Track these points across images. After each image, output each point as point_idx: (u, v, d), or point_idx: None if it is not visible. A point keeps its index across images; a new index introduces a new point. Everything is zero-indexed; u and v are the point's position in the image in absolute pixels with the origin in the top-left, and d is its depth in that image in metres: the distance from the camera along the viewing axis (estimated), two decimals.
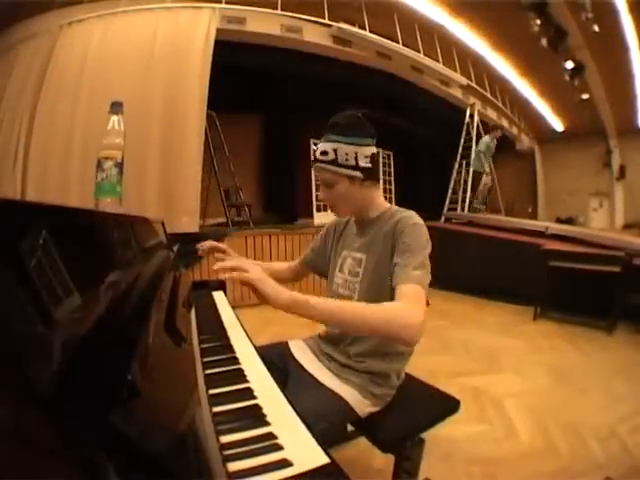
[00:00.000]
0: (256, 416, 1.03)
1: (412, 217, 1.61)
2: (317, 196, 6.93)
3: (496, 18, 9.46)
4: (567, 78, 10.85)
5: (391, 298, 1.44)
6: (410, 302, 1.36)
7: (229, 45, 6.71)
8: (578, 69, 10.60)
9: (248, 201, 8.40)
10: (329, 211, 1.89)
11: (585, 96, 12.00)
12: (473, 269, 6.79)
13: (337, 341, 1.78)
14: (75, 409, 0.52)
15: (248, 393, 1.15)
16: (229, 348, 1.54)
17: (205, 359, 1.40)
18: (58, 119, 5.73)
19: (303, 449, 0.91)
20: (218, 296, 2.47)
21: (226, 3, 6.88)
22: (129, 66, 5.88)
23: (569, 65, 10.50)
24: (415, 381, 1.86)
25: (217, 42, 6.40)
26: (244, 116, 10.20)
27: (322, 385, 1.62)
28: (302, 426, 1.01)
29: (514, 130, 14.42)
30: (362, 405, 1.59)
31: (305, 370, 1.75)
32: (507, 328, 5.08)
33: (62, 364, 0.58)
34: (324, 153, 1.64)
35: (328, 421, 1.40)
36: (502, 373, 3.71)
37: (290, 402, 1.14)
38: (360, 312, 1.32)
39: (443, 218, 9.81)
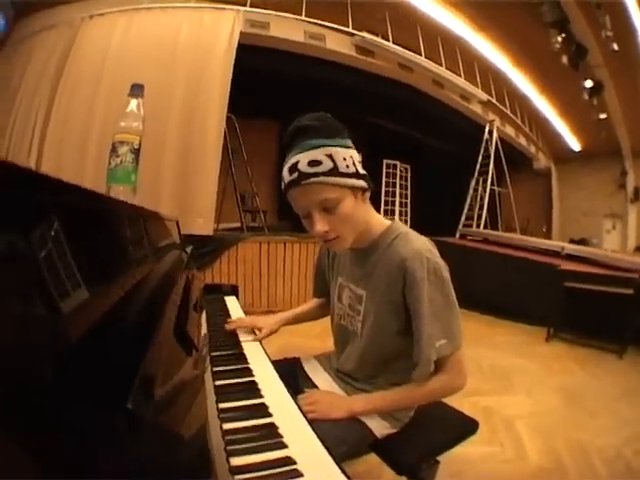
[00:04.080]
0: (272, 436, 0.93)
1: (422, 262, 1.29)
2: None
3: (518, 34, 9.36)
4: (586, 97, 10.70)
5: (396, 342, 1.42)
6: (453, 374, 1.36)
7: (252, 49, 6.66)
8: (597, 88, 10.43)
9: (264, 207, 8.22)
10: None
11: (603, 116, 11.82)
12: (487, 287, 6.62)
13: (351, 379, 1.58)
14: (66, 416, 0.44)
15: (263, 409, 1.05)
16: (242, 358, 1.45)
17: (216, 368, 1.31)
18: (75, 112, 5.67)
19: (325, 476, 0.82)
20: (231, 301, 2.38)
21: (250, 6, 6.79)
22: (150, 63, 5.78)
23: (588, 84, 10.34)
24: None
25: (240, 45, 6.33)
26: (264, 122, 10.13)
27: None
28: (323, 449, 0.91)
29: (532, 149, 14.28)
30: (380, 427, 1.44)
31: (319, 390, 1.58)
32: (520, 348, 4.97)
33: (56, 366, 0.49)
34: (315, 163, 1.21)
35: (347, 444, 1.29)
36: (514, 394, 3.64)
37: (310, 422, 1.04)
38: (411, 398, 1.41)
39: (458, 234, 9.71)
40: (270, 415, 1.03)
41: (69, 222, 0.65)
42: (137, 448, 0.53)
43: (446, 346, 1.29)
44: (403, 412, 1.51)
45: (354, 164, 1.28)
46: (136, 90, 1.57)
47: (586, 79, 10.25)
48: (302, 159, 1.23)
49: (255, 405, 1.08)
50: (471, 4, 8.68)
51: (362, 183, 1.30)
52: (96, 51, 5.86)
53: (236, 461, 0.82)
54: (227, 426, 0.95)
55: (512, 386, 3.79)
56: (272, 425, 0.97)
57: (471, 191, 10.77)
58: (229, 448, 0.86)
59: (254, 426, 0.97)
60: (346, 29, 7.69)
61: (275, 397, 1.14)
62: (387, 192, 9.96)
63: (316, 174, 1.21)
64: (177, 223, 2.77)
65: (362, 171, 1.31)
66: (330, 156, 1.23)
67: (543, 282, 5.72)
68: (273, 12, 6.96)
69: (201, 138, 5.91)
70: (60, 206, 0.65)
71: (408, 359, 1.35)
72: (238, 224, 7.15)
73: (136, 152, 1.50)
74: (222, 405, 1.05)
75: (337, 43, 7.65)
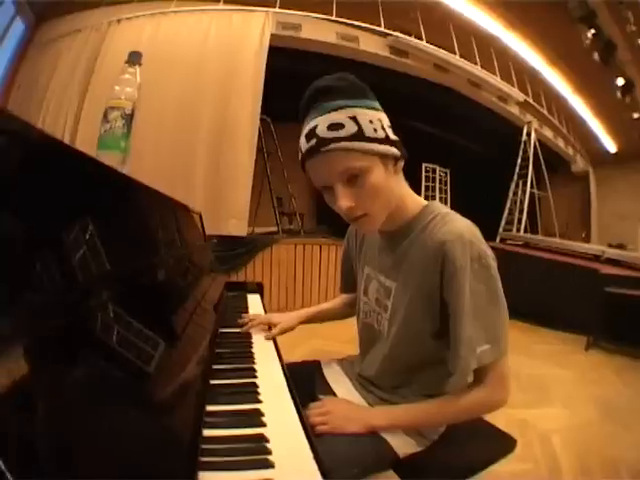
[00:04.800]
0: (258, 451, 0.74)
1: (464, 246, 1.04)
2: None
3: (550, 32, 9.03)
4: (619, 95, 10.16)
5: (428, 346, 1.17)
6: (494, 386, 1.10)
7: (288, 52, 6.58)
8: (628, 86, 9.87)
9: (301, 211, 8.05)
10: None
11: (636, 115, 11.21)
12: (527, 292, 6.23)
13: (374, 387, 1.33)
14: None
15: (255, 417, 0.87)
16: (248, 356, 1.28)
17: (215, 366, 1.14)
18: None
19: None
20: (253, 300, 2.19)
21: (279, 8, 6.64)
22: (180, 66, 5.75)
23: (620, 82, 9.79)
24: None
25: (276, 48, 6.23)
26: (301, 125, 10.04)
27: None
28: (318, 476, 0.71)
29: (569, 151, 13.72)
30: (404, 445, 1.17)
31: (336, 397, 1.35)
32: (558, 357, 4.70)
33: None
34: (336, 126, 0.99)
35: (362, 466, 1.07)
36: (551, 406, 3.40)
37: (310, 437, 0.83)
38: (442, 414, 1.17)
39: (498, 238, 9.41)
40: (262, 425, 0.84)
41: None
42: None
43: (489, 353, 1.04)
44: (431, 429, 1.25)
45: (383, 128, 1.05)
46: (133, 57, 1.46)
47: (617, 77, 9.75)
48: (321, 123, 1.01)
49: (247, 411, 0.90)
50: (501, 2, 8.47)
51: (394, 150, 1.06)
52: (125, 55, 5.72)
53: (205, 476, 0.66)
54: (207, 433, 0.78)
55: (550, 398, 3.56)
56: (261, 437, 0.78)
57: (511, 194, 10.48)
58: (201, 460, 0.69)
59: (239, 436, 0.79)
60: (379, 29, 7.49)
61: (276, 404, 0.96)
62: (427, 197, 9.71)
63: (337, 139, 0.99)
64: (200, 217, 2.65)
65: (393, 137, 1.07)
66: (354, 118, 1.00)
67: (584, 287, 5.43)
68: (304, 13, 6.82)
69: (234, 139, 5.82)
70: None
71: (441, 367, 1.13)
72: (274, 228, 7.00)
73: (127, 118, 1.37)
74: (209, 408, 0.88)
75: (370, 44, 7.45)
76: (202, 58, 5.88)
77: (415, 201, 1.21)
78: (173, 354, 0.90)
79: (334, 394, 1.37)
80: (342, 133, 0.99)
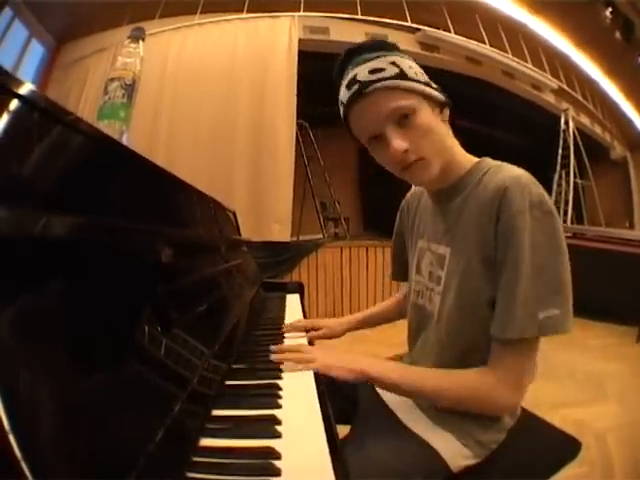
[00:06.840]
0: (261, 470, 0.55)
1: (522, 191, 0.85)
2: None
3: (573, 13, 8.63)
4: None
5: (489, 322, 0.89)
6: (505, 379, 0.87)
7: (319, 55, 6.37)
8: None
9: (346, 215, 7.77)
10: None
11: None
12: (577, 286, 5.94)
13: None
14: None
15: (268, 425, 0.67)
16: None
17: (235, 366, 0.97)
18: (137, 132, 5.16)
19: None
20: (292, 300, 1.98)
21: (304, 11, 6.41)
22: (211, 81, 5.66)
23: None
24: (528, 416, 1.18)
25: (306, 53, 6.06)
26: (341, 130, 9.93)
27: (404, 427, 1.01)
28: None
29: (607, 137, 13.01)
30: (459, 457, 0.94)
31: (382, 402, 1.13)
32: (611, 351, 4.42)
33: None
34: (377, 70, 0.90)
35: None
36: (607, 403, 3.12)
37: (335, 450, 0.62)
38: (435, 386, 0.93)
39: None
40: (276, 435, 0.64)
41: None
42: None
43: (555, 320, 0.83)
44: (493, 435, 1.00)
45: (423, 74, 0.97)
46: (136, 33, 1.36)
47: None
48: (361, 70, 0.92)
49: (260, 417, 0.71)
50: None
51: (437, 94, 0.96)
52: (154, 70, 5.63)
53: None
54: (204, 442, 0.61)
55: (605, 394, 3.28)
56: (270, 452, 0.58)
57: (555, 186, 10.06)
58: (189, 475, 0.53)
59: (242, 448, 0.60)
60: (407, 24, 7.22)
61: (299, 411, 0.76)
62: None
63: (380, 79, 0.90)
64: (234, 214, 2.51)
65: (434, 85, 0.98)
66: (394, 63, 0.92)
67: (633, 275, 5.21)
68: (329, 14, 6.62)
69: (271, 146, 5.69)
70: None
71: None
72: (320, 236, 6.79)
73: (128, 88, 1.26)
74: (215, 412, 0.71)
75: (400, 41, 7.00)
76: (233, 69, 5.78)
77: (466, 157, 1.07)
78: (184, 347, 0.74)
79: (378, 396, 1.16)
80: (385, 74, 0.90)
